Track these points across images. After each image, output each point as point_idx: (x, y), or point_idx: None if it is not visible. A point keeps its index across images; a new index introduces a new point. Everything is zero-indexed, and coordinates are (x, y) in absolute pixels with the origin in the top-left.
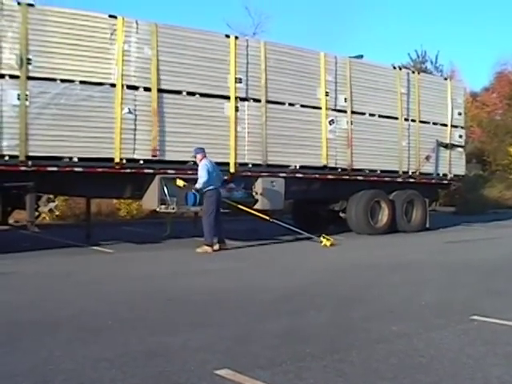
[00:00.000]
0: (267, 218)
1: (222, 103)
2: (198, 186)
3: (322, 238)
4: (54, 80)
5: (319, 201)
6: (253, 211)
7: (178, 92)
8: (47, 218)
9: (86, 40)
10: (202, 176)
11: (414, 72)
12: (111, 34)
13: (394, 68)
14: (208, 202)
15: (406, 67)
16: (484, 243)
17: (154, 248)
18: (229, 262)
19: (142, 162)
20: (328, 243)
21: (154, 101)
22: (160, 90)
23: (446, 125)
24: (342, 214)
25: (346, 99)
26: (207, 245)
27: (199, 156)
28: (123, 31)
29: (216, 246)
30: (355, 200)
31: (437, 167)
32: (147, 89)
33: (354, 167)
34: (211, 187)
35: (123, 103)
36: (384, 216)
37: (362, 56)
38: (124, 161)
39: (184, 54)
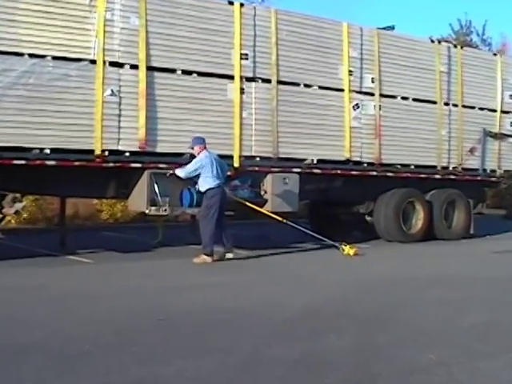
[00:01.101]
0: (281, 219)
1: (224, 84)
2: (179, 173)
3: (343, 246)
4: (20, 55)
5: (341, 202)
6: (265, 212)
7: (172, 70)
8: (13, 221)
9: (59, 7)
10: (189, 168)
11: (456, 46)
12: (90, 0)
13: (432, 41)
14: (208, 202)
15: (446, 40)
16: None
17: (143, 257)
18: (232, 275)
19: (127, 154)
20: (351, 252)
21: (143, 81)
22: (149, 68)
23: (495, 110)
24: (368, 218)
25: (373, 79)
26: (206, 254)
27: (197, 148)
28: None
29: (217, 256)
30: (384, 201)
31: (483, 162)
32: (134, 66)
33: (383, 161)
34: (213, 185)
35: (105, 83)
36: (419, 220)
37: (393, 27)
38: (106, 153)
39: (178, 24)
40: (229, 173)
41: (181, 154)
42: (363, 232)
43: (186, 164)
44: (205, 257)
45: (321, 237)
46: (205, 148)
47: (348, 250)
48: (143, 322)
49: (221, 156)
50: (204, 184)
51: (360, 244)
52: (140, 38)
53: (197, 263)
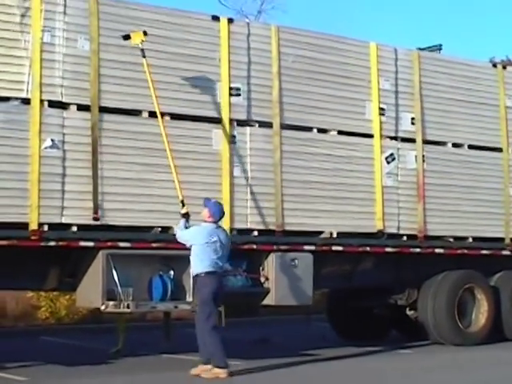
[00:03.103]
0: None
1: (207, 130)
2: (176, 228)
3: None
4: None
5: (372, 290)
6: None
7: (136, 112)
8: None
9: None
10: (182, 234)
11: None
12: (22, 16)
13: (494, 66)
14: (202, 296)
15: None
16: None
17: (97, 373)
18: None
19: (74, 228)
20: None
21: (95, 127)
22: (104, 110)
23: None
24: (410, 312)
25: (413, 120)
26: (219, 366)
27: (205, 212)
28: (42, 10)
29: (197, 370)
30: (432, 288)
31: None
32: (83, 107)
33: (429, 233)
34: (205, 270)
35: (43, 131)
36: (481, 314)
37: (439, 47)
38: (45, 227)
39: (157, 48)
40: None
41: (148, 228)
42: (404, 331)
43: (155, 242)
44: (217, 370)
45: (344, 338)
46: (214, 221)
47: None
48: None
49: None
50: (195, 265)
51: (401, 350)
52: (92, 67)
53: (206, 378)
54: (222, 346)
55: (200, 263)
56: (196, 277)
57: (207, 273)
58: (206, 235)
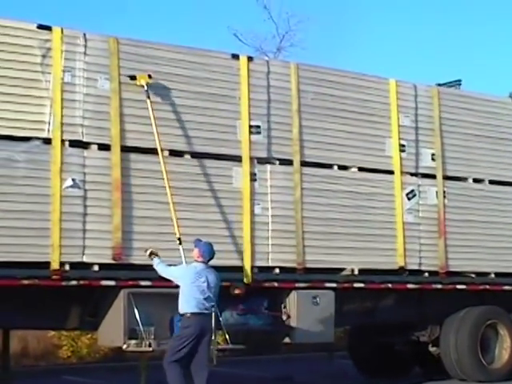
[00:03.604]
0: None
1: (228, 168)
2: (156, 264)
3: None
4: None
5: (394, 327)
6: None
7: (153, 151)
8: None
9: None
10: (166, 270)
11: None
12: (43, 57)
13: None
14: (182, 333)
15: None
16: None
17: None
18: None
19: (96, 268)
20: None
21: (117, 166)
22: (126, 149)
23: None
24: (432, 349)
25: (434, 156)
26: None
27: (195, 252)
28: (62, 51)
29: None
30: (454, 324)
31: None
32: (104, 146)
33: (451, 269)
34: (191, 310)
35: (64, 171)
36: (505, 350)
37: (459, 82)
38: (67, 267)
39: (178, 89)
40: (236, 291)
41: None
42: (426, 368)
43: None
44: None
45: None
46: (204, 262)
47: None
48: None
49: (226, 268)
50: (181, 304)
51: None
52: (112, 107)
53: None
54: (182, 380)
55: (186, 303)
56: (181, 316)
57: (192, 313)
58: (194, 275)
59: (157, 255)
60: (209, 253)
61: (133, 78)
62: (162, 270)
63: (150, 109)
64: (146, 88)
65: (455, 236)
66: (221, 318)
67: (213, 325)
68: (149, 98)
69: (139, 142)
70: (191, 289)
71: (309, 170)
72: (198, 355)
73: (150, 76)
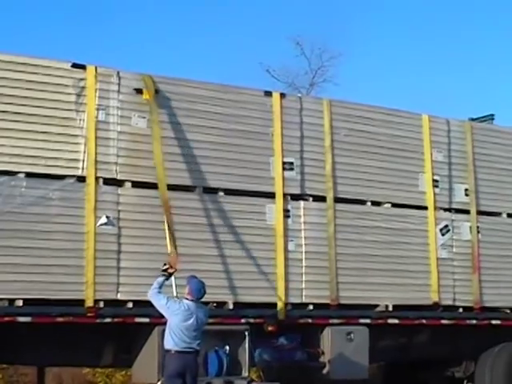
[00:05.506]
0: None
1: (261, 205)
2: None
3: None
4: None
5: (429, 362)
6: None
7: (190, 188)
8: None
9: (33, 106)
10: (157, 297)
11: None
12: (78, 96)
13: None
14: (166, 372)
15: None
16: None
17: None
18: None
19: (130, 305)
20: None
21: (167, 201)
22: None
23: None
24: None
25: (467, 191)
26: None
27: (187, 289)
28: (96, 89)
29: None
30: (489, 360)
31: None
32: (138, 184)
33: (485, 305)
34: (176, 348)
35: (98, 208)
36: None
37: (492, 117)
38: (101, 303)
39: (211, 125)
40: (270, 327)
41: (204, 304)
42: None
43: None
44: None
45: None
46: (193, 300)
47: None
48: None
49: (259, 304)
50: (166, 340)
51: None
52: (155, 146)
53: None
54: None
55: (171, 340)
56: (166, 352)
57: (177, 351)
58: (182, 312)
59: (170, 275)
60: (198, 291)
61: (139, 91)
62: (155, 295)
63: (155, 125)
64: (150, 101)
65: (489, 271)
66: (255, 355)
67: (197, 362)
68: (153, 112)
69: (173, 179)
70: (178, 326)
71: (342, 207)
72: None
73: (156, 91)
